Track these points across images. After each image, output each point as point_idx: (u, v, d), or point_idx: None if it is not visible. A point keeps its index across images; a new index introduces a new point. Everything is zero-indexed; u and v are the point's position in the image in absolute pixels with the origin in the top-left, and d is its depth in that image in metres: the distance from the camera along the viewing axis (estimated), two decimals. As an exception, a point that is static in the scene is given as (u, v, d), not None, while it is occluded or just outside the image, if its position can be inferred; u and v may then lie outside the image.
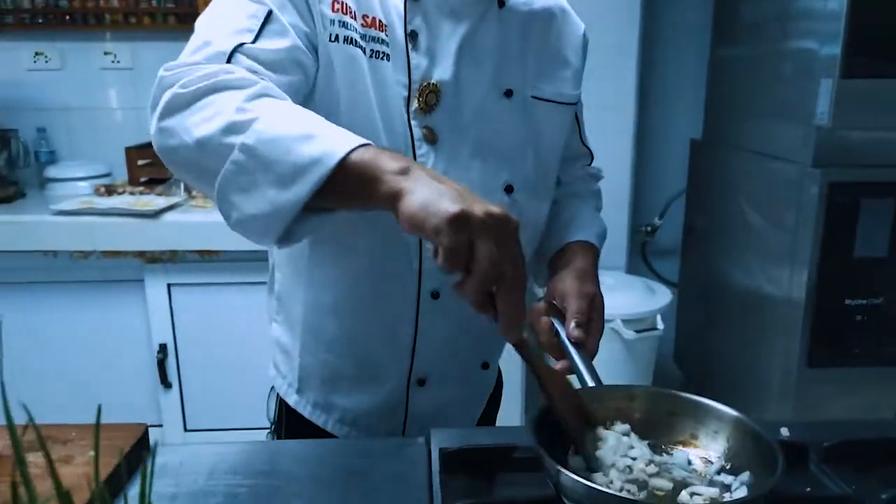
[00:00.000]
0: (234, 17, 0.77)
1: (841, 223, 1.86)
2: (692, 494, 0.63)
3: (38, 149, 2.44)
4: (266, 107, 0.67)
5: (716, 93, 2.58)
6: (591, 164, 1.12)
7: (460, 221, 0.56)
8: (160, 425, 2.13)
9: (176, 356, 2.09)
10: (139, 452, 0.78)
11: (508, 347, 1.12)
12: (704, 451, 0.70)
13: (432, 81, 0.84)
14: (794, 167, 1.93)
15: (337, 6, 0.81)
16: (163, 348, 2.06)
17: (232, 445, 0.82)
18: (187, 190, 2.16)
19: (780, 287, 2.03)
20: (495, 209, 0.58)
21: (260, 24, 0.76)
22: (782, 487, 0.71)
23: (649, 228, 2.80)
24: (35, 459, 0.72)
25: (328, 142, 0.63)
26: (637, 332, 2.14)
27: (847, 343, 1.94)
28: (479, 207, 0.57)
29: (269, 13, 0.77)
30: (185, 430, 2.15)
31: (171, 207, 2.03)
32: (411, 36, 0.84)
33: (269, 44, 0.76)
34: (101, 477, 0.69)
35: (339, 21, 0.80)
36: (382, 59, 0.83)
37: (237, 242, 1.93)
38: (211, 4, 0.81)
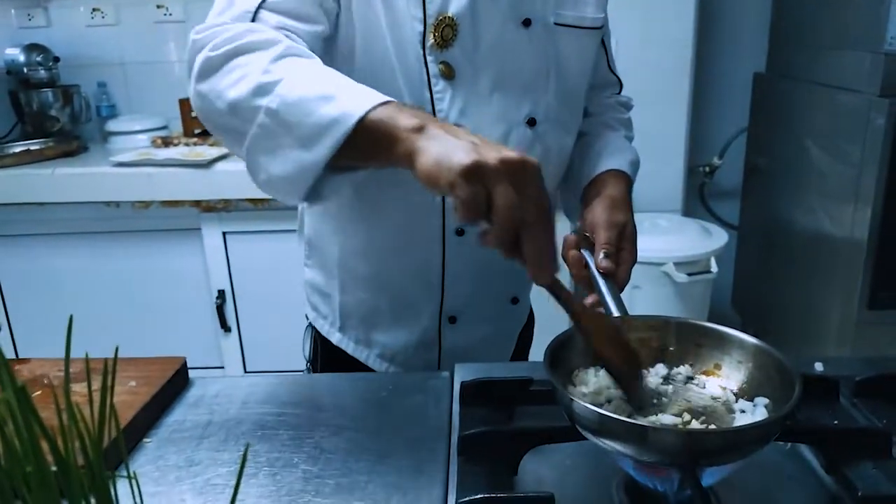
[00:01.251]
0: None
1: (910, 156, 1.75)
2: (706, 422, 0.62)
3: (99, 103, 2.53)
4: (290, 68, 0.69)
5: (780, 22, 2.44)
6: (619, 92, 1.09)
7: (473, 171, 0.55)
8: (221, 367, 2.24)
9: (234, 301, 2.17)
10: (178, 384, 0.82)
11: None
12: (727, 381, 0.69)
13: (448, 14, 0.82)
14: (860, 98, 1.82)
15: None
16: (221, 294, 2.15)
17: (266, 377, 0.86)
18: (238, 140, 2.20)
19: (842, 227, 1.94)
20: (510, 154, 0.57)
21: None
22: (809, 419, 0.71)
23: (708, 169, 2.70)
24: (80, 389, 0.77)
25: (347, 101, 0.64)
26: (689, 274, 2.09)
27: (913, 285, 1.85)
28: (492, 155, 0.56)
29: None
30: (245, 371, 2.25)
31: (222, 157, 2.08)
32: None
33: None
34: (138, 405, 0.73)
35: None
36: None
37: (287, 190, 1.98)
38: None
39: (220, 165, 2.04)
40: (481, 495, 0.57)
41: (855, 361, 0.84)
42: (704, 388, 0.68)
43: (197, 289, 2.16)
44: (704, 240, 2.20)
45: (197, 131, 2.29)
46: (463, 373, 0.83)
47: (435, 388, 0.82)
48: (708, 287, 2.21)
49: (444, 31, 0.83)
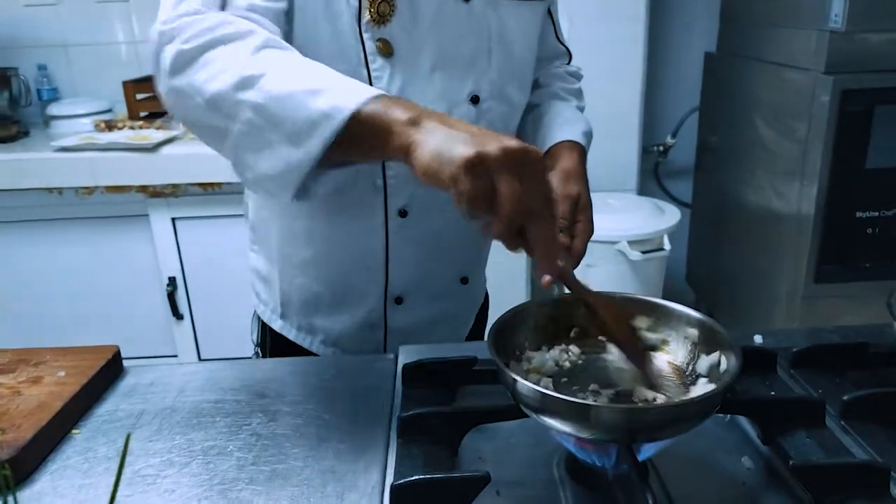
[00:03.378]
0: None
1: (853, 132, 1.78)
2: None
3: (40, 87, 2.44)
4: (272, 60, 0.66)
5: (730, 2, 2.46)
6: (569, 62, 1.08)
7: (476, 164, 0.54)
8: (175, 356, 2.20)
9: (186, 288, 2.13)
10: (112, 373, 0.80)
11: (492, 263, 1.12)
12: (674, 357, 0.69)
13: None
14: (806, 75, 1.85)
15: None
16: (172, 281, 2.10)
17: (202, 365, 0.84)
18: (186, 123, 2.14)
19: (789, 203, 1.97)
20: (512, 143, 0.55)
21: None
22: (746, 391, 0.71)
23: (662, 148, 2.72)
24: (6, 381, 0.74)
25: (338, 95, 0.62)
26: (643, 252, 2.11)
27: (856, 257, 1.90)
28: (494, 145, 0.55)
29: None
30: (200, 359, 2.21)
31: (169, 141, 2.02)
32: None
33: None
34: (67, 395, 0.71)
35: None
36: None
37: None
38: None
39: (166, 149, 1.98)
40: (416, 477, 0.56)
41: (795, 333, 0.86)
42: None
43: (147, 276, 2.11)
44: (658, 218, 2.22)
45: (143, 114, 2.22)
46: (407, 354, 0.82)
47: (380, 371, 0.81)
48: (662, 264, 2.24)
49: (381, 7, 0.80)
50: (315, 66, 0.67)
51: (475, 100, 0.88)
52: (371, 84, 0.82)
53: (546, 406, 0.57)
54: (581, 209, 0.83)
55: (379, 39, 0.81)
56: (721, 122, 2.49)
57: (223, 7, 0.73)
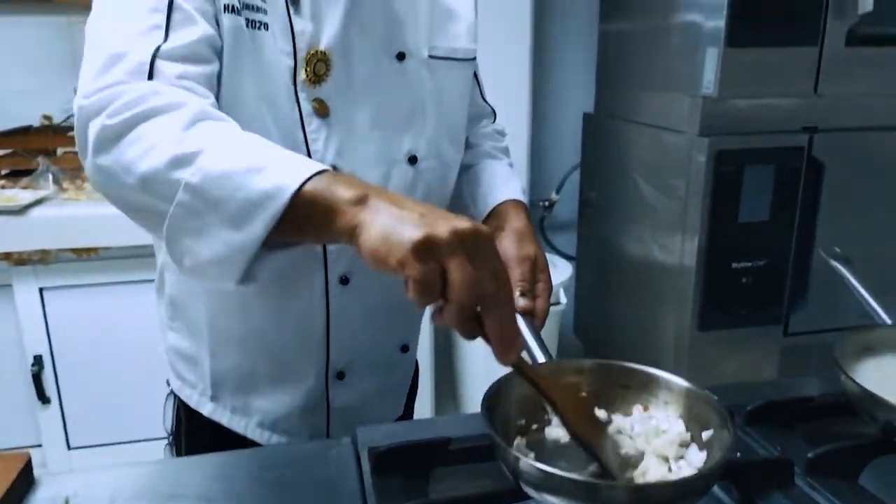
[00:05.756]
0: (133, 16, 0.69)
1: (727, 189, 1.94)
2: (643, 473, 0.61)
3: None
4: (208, 134, 0.61)
5: (605, 66, 2.63)
6: (494, 121, 1.10)
7: (425, 248, 0.50)
8: (39, 445, 1.94)
9: (54, 368, 1.90)
10: (21, 488, 0.68)
11: (424, 331, 1.09)
12: (658, 424, 0.68)
13: (320, 49, 0.78)
14: (682, 137, 2.00)
15: None
16: (38, 360, 1.87)
17: (132, 468, 0.73)
18: (57, 181, 1.96)
19: (672, 255, 2.10)
20: (462, 224, 0.52)
21: (165, 17, 0.69)
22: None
23: (547, 203, 2.83)
24: None
25: (279, 173, 0.58)
26: (542, 306, 2.15)
27: (735, 305, 2.04)
28: (443, 227, 0.51)
29: (171, 2, 0.69)
30: (69, 448, 1.97)
31: (39, 202, 1.83)
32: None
33: (182, 36, 0.69)
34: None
35: None
36: (260, 28, 0.76)
37: (117, 237, 1.78)
38: (97, 2, 0.72)
39: (36, 211, 1.79)
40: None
41: (742, 388, 0.89)
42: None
43: (8, 355, 1.87)
44: (552, 272, 2.29)
45: (4, 171, 2.00)
46: (366, 437, 0.77)
47: (338, 459, 0.74)
48: (558, 318, 2.30)
49: (317, 66, 0.78)
50: (253, 139, 0.63)
51: (413, 160, 0.87)
52: (308, 145, 0.79)
53: (554, 485, 0.54)
54: (540, 269, 0.83)
55: (315, 100, 0.79)
56: (602, 179, 2.63)
57: (151, 76, 0.67)
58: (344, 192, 0.56)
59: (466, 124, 0.98)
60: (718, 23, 1.79)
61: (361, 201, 0.56)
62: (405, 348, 0.99)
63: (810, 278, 2.05)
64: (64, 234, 1.79)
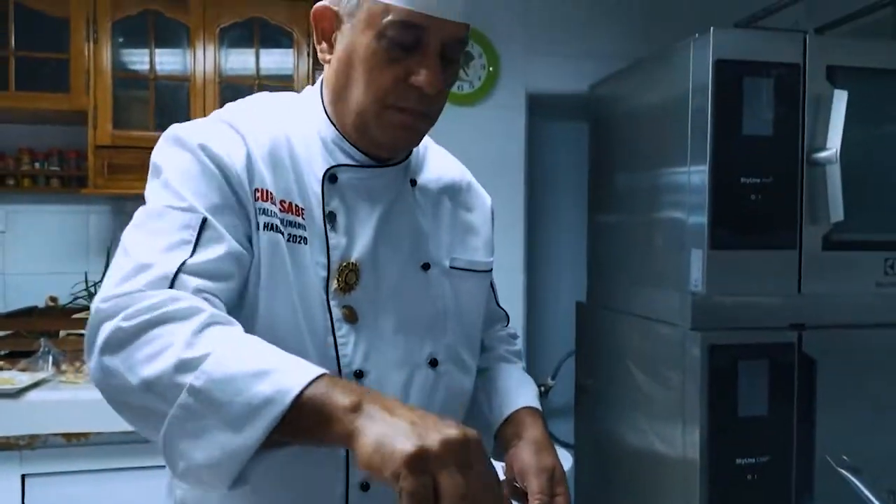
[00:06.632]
0: (167, 231, 0.75)
1: (724, 383, 1.95)
2: None
3: None
4: (216, 340, 0.65)
5: (596, 258, 2.75)
6: (507, 325, 1.15)
7: (418, 461, 0.54)
8: None
9: (28, 564, 1.78)
10: None
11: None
12: None
13: (351, 261, 0.84)
14: (675, 330, 2.05)
15: (258, 194, 0.82)
16: (10, 554, 1.76)
17: None
18: (56, 364, 1.96)
19: (673, 446, 2.07)
20: (452, 433, 0.56)
21: (196, 234, 0.75)
22: None
23: (543, 389, 2.82)
24: None
25: (282, 378, 0.61)
26: (541, 501, 2.08)
27: (741, 503, 1.98)
28: (434, 437, 0.55)
29: (204, 221, 0.76)
30: None
31: (36, 384, 1.82)
32: (329, 217, 0.85)
33: (208, 253, 0.75)
34: None
35: (262, 209, 0.81)
36: (300, 242, 0.83)
37: (109, 423, 1.74)
38: (137, 215, 0.79)
39: (32, 395, 1.78)
40: None
41: None
42: None
43: (-23, 550, 1.76)
44: (551, 463, 2.23)
45: (4, 352, 2.01)
46: None
47: None
48: (558, 513, 2.20)
49: (348, 276, 0.84)
50: (257, 343, 0.67)
51: (434, 363, 0.90)
52: (337, 350, 0.83)
53: None
54: (558, 481, 0.83)
55: (345, 307, 0.84)
56: (597, 367, 2.65)
57: (172, 286, 0.72)
58: (340, 399, 0.59)
59: (481, 328, 1.03)
60: (701, 219, 1.90)
61: (357, 408, 0.59)
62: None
63: (814, 477, 2.01)
64: (56, 418, 1.76)
